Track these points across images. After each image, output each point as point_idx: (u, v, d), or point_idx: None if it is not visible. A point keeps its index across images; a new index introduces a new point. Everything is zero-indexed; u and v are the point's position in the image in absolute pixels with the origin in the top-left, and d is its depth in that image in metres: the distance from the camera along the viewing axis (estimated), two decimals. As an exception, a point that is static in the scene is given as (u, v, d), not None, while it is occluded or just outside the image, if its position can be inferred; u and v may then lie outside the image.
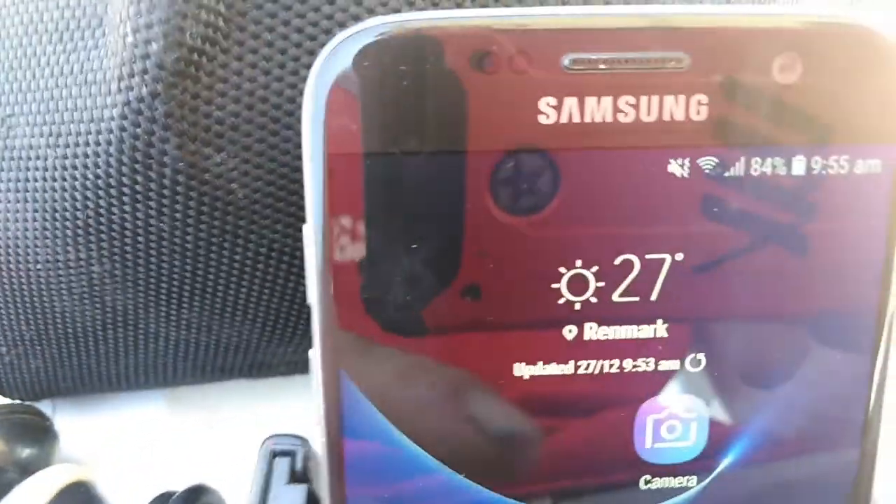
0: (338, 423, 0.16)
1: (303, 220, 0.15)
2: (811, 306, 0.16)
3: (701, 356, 0.16)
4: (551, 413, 0.16)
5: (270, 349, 0.22)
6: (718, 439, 0.16)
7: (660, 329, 0.16)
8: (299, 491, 0.19)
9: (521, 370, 0.16)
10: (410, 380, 0.16)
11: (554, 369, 0.16)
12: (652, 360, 0.16)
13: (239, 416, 0.27)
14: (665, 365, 0.16)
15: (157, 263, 0.19)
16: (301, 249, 0.19)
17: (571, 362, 0.16)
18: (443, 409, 0.16)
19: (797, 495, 0.17)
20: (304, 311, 0.21)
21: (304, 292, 0.20)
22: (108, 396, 0.27)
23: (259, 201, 0.18)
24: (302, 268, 0.19)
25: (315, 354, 0.15)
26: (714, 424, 0.16)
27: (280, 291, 0.20)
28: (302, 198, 0.15)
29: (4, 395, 0.25)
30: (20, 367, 0.23)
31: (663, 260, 0.15)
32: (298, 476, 0.19)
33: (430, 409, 0.16)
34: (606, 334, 0.16)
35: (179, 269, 0.19)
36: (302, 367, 0.24)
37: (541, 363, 0.16)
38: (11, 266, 0.20)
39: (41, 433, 0.24)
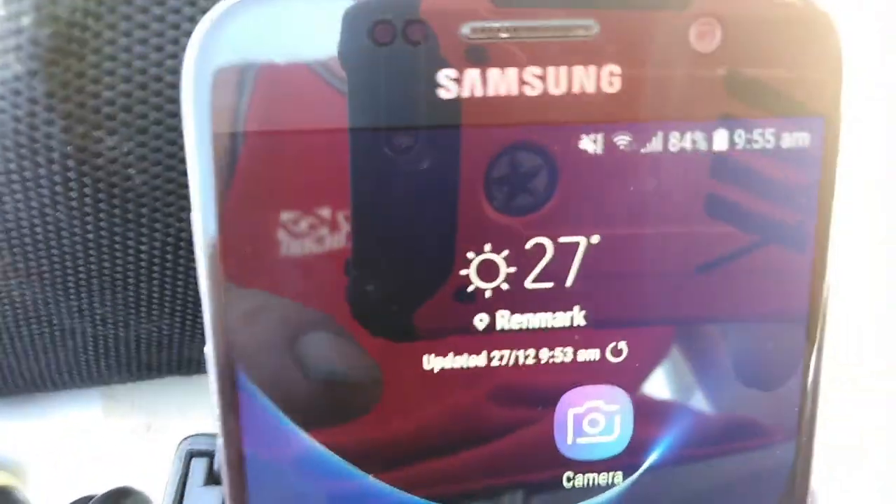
0: (236, 424, 0.15)
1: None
2: (739, 288, 0.15)
3: (623, 345, 0.15)
4: (465, 409, 0.15)
5: (195, 345, 0.21)
6: (644, 434, 0.15)
7: (577, 317, 0.15)
8: (215, 493, 0.18)
9: (431, 363, 0.15)
10: (310, 376, 0.15)
11: (465, 361, 0.15)
12: (570, 350, 0.15)
13: (177, 418, 0.26)
14: (584, 355, 0.15)
15: (59, 255, 0.18)
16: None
17: (484, 353, 0.15)
18: (348, 407, 0.15)
19: (729, 492, 0.16)
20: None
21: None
22: (40, 398, 0.26)
23: (160, 187, 0.17)
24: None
25: (209, 350, 0.14)
26: (639, 418, 0.15)
27: (195, 284, 0.19)
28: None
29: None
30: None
31: (577, 244, 0.14)
32: (216, 477, 0.18)
33: (334, 407, 0.15)
34: (520, 323, 0.15)
35: (84, 262, 0.18)
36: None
37: (451, 354, 0.15)
38: (-86, 261, 0.19)
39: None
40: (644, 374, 0.15)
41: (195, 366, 0.23)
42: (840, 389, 0.16)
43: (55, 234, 0.17)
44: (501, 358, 0.15)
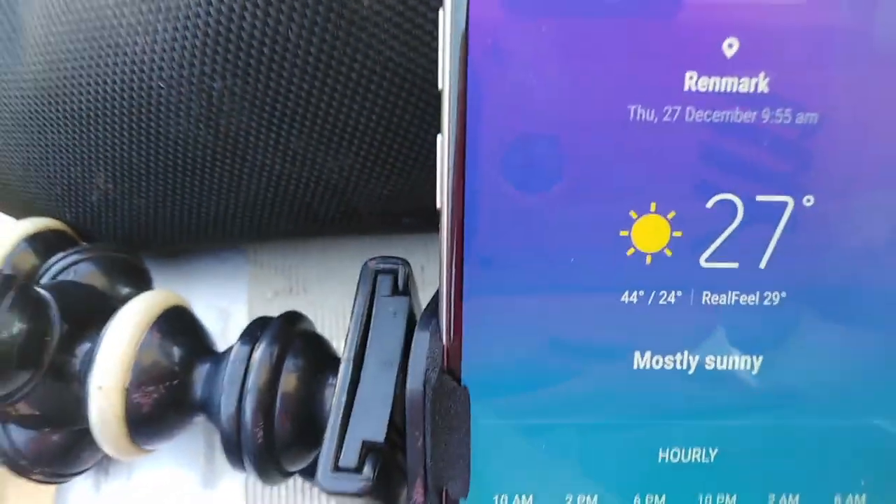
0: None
1: (423, 39, 0.16)
2: None
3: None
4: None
5: (367, 192, 0.23)
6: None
7: None
8: (402, 300, 0.20)
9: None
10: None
11: None
12: None
13: (315, 282, 0.28)
14: None
15: (276, 79, 0.20)
16: (410, 77, 0.20)
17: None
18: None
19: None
20: (405, 146, 0.22)
21: (408, 122, 0.21)
22: (190, 263, 0.28)
23: (382, 13, 0.19)
24: (411, 94, 0.21)
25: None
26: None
27: (386, 118, 0.21)
28: (427, 11, 0.16)
29: (99, 240, 0.26)
30: (123, 206, 0.24)
31: None
32: (400, 290, 0.20)
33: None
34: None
35: (297, 87, 0.20)
36: (390, 225, 0.25)
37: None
38: (134, 85, 0.21)
39: (140, 276, 0.25)
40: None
41: (356, 220, 0.25)
42: None
43: (280, 55, 0.19)
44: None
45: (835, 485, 0.18)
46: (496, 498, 0.18)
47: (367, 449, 0.18)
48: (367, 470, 0.18)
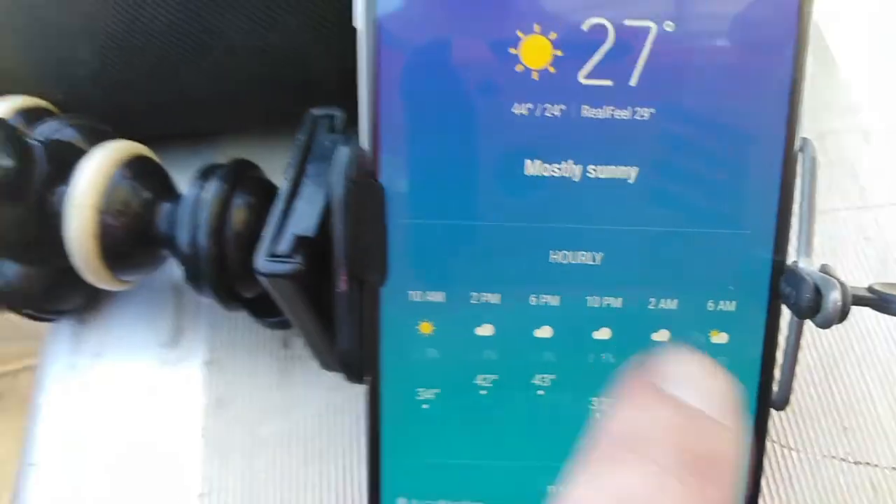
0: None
1: None
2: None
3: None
4: None
5: (323, 61, 0.27)
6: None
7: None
8: (338, 137, 0.23)
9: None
10: None
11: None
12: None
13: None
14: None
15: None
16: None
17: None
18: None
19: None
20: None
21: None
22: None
23: None
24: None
25: None
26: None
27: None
28: None
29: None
30: (108, 83, 0.28)
31: None
32: (338, 132, 0.23)
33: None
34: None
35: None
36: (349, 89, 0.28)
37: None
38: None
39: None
40: None
41: (316, 89, 0.28)
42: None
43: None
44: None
45: (709, 291, 0.21)
46: (411, 293, 0.21)
47: (299, 240, 0.21)
48: (298, 256, 0.21)
